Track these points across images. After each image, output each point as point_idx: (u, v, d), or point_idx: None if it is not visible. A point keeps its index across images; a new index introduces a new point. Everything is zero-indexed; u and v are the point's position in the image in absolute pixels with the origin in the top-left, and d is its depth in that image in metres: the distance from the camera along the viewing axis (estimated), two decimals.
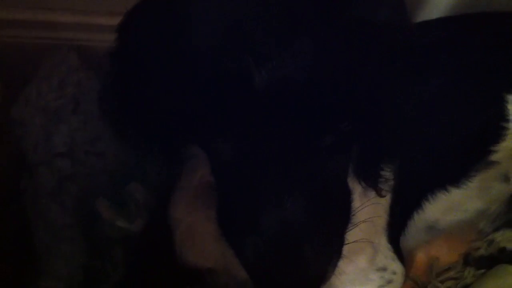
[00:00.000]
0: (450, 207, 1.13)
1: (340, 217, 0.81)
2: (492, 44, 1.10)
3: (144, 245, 1.06)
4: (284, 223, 0.70)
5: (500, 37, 1.11)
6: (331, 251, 0.76)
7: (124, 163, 1.07)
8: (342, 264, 0.96)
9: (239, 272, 0.99)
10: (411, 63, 0.81)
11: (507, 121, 1.07)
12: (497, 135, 1.08)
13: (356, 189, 0.88)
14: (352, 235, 0.91)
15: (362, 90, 0.71)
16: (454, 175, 1.10)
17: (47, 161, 1.01)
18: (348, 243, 0.88)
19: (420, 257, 1.21)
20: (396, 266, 1.07)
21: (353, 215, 0.86)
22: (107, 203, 1.03)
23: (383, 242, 1.06)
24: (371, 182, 0.87)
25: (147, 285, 1.04)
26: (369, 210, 0.93)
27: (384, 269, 1.05)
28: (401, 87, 0.81)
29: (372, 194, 0.92)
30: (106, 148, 1.06)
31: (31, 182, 1.01)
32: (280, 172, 0.70)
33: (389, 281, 1.06)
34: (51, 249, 0.96)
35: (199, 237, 0.99)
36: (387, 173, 0.89)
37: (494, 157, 1.08)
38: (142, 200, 1.05)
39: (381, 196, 0.90)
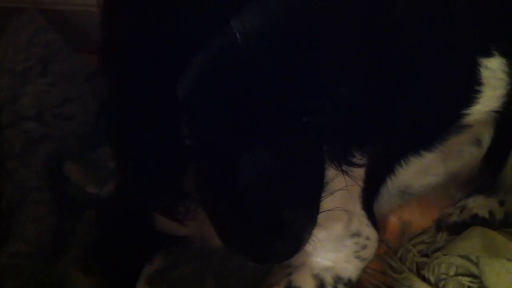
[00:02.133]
0: (422, 171, 1.15)
1: (315, 184, 0.80)
2: (466, 9, 1.10)
3: (115, 210, 1.05)
4: (259, 190, 0.70)
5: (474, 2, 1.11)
6: (306, 218, 0.77)
7: (93, 126, 1.05)
8: (317, 232, 0.98)
9: (215, 239, 1.00)
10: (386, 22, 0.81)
11: (480, 84, 1.07)
12: (470, 98, 1.09)
13: None
14: (327, 203, 0.92)
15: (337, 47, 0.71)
16: (427, 139, 1.11)
17: (14, 124, 0.99)
18: (323, 211, 0.89)
19: (393, 222, 1.24)
20: (370, 231, 1.09)
21: (328, 183, 0.86)
22: (76, 167, 1.01)
23: (357, 209, 1.07)
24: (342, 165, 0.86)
25: (118, 250, 1.04)
26: (345, 181, 0.94)
27: (358, 235, 1.07)
28: (375, 48, 0.81)
29: None
30: (75, 111, 1.04)
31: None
32: (257, 137, 0.69)
33: (364, 247, 1.08)
34: (19, 211, 0.96)
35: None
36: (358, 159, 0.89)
37: (466, 120, 1.10)
38: (113, 165, 1.02)
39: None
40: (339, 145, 0.83)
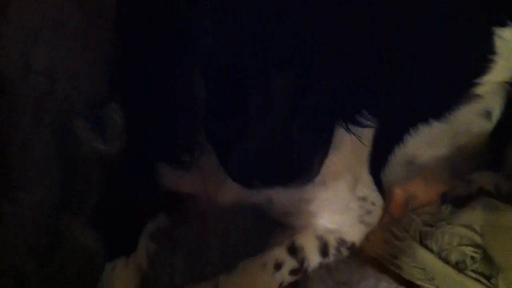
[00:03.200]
0: (430, 141, 1.15)
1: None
2: None
3: (121, 167, 1.07)
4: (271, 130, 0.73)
5: None
6: (316, 146, 0.79)
7: (102, 85, 1.06)
8: (322, 191, 0.99)
9: (219, 199, 1.03)
10: None
11: (493, 53, 1.07)
12: (482, 68, 1.09)
13: None
14: (334, 162, 0.93)
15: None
16: (437, 107, 1.11)
17: (24, 77, 1.00)
18: (330, 169, 0.90)
19: (398, 194, 1.24)
20: (376, 197, 1.10)
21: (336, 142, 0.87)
22: (84, 124, 1.03)
23: (364, 172, 1.08)
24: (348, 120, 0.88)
25: (124, 207, 1.05)
26: (352, 139, 0.95)
27: (364, 198, 1.08)
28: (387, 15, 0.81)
29: None
30: (88, 71, 1.05)
31: (9, 96, 1.00)
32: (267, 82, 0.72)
33: (368, 212, 1.09)
34: (27, 163, 0.98)
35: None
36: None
37: (477, 90, 1.10)
38: (121, 121, 1.04)
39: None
40: (346, 103, 0.84)
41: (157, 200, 1.07)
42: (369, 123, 0.91)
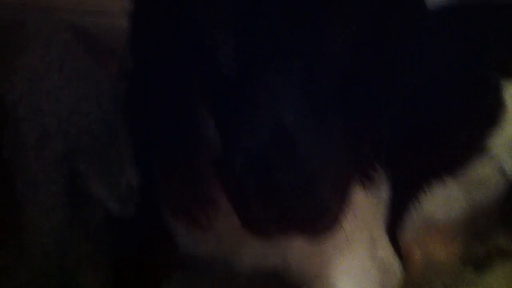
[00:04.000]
0: (446, 200, 1.14)
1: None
2: (491, 35, 1.13)
3: (135, 229, 1.00)
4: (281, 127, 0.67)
5: (499, 28, 1.15)
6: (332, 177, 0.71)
7: (109, 125, 1.02)
8: (340, 253, 0.94)
9: (236, 263, 0.97)
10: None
11: (503, 108, 1.10)
12: (493, 124, 1.11)
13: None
14: (349, 223, 0.88)
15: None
16: (450, 164, 1.12)
17: (31, 117, 0.95)
18: (346, 230, 0.85)
19: (417, 254, 1.18)
20: (393, 258, 1.05)
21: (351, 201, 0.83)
22: (100, 182, 0.97)
23: (381, 233, 1.05)
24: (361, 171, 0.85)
25: (134, 270, 1.00)
26: (368, 200, 0.96)
27: (382, 260, 1.03)
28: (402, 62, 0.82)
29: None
30: (92, 109, 1.01)
31: (14, 136, 0.94)
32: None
33: (388, 274, 1.03)
34: (32, 203, 0.92)
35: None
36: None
37: (490, 145, 1.12)
38: (136, 183, 0.99)
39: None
40: (360, 158, 0.82)
41: (171, 264, 1.01)
42: (383, 178, 0.91)
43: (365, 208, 0.98)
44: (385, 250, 1.04)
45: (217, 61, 0.71)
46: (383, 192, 1.02)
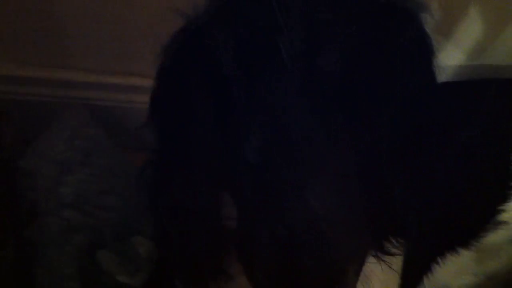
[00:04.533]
0: (459, 270, 1.14)
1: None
2: (501, 109, 1.14)
3: None
4: (306, 216, 0.68)
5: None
6: (351, 250, 0.74)
7: (130, 217, 1.09)
8: None
9: None
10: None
11: None
12: (506, 195, 1.09)
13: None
14: None
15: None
16: (462, 235, 1.11)
17: (55, 211, 1.05)
18: None
19: None
20: None
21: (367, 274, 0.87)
22: (110, 255, 1.04)
23: None
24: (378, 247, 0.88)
25: None
26: (382, 272, 0.95)
27: None
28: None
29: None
30: (114, 202, 1.10)
31: (37, 230, 1.03)
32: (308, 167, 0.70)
33: None
34: None
35: None
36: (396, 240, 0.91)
37: (503, 217, 1.10)
38: (145, 254, 1.06)
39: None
40: (374, 231, 0.84)
41: None
42: (397, 251, 0.92)
43: (379, 282, 1.02)
44: None
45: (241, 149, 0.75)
46: (397, 264, 1.05)
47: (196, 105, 0.78)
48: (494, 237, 1.11)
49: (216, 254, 0.86)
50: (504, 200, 1.10)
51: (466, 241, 1.12)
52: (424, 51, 0.81)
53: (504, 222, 1.11)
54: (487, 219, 1.12)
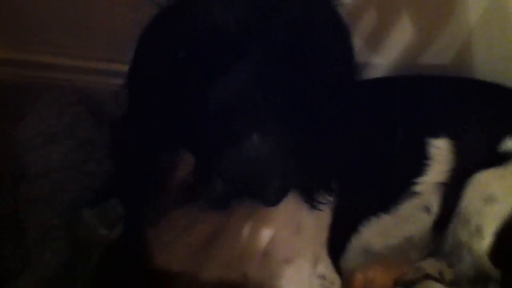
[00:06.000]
0: (382, 232, 1.39)
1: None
2: (417, 98, 1.40)
3: (118, 249, 1.29)
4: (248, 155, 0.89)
5: (425, 93, 1.43)
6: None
7: (111, 180, 1.32)
8: (288, 268, 1.21)
9: (202, 276, 1.24)
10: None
11: (428, 158, 1.36)
12: (419, 170, 1.37)
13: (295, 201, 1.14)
14: (298, 242, 1.18)
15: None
16: (384, 203, 1.37)
17: (45, 174, 1.26)
18: (294, 248, 1.18)
19: (359, 278, 1.44)
20: (334, 277, 1.31)
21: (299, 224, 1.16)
22: (92, 212, 1.27)
23: (323, 253, 1.31)
24: (308, 195, 1.13)
25: (121, 286, 1.28)
26: (311, 221, 1.23)
27: (323, 277, 1.29)
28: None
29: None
30: (95, 169, 1.33)
31: (29, 190, 1.26)
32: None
33: (326, 286, 1.29)
34: (41, 244, 1.22)
35: (170, 245, 1.22)
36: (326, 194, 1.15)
37: (417, 188, 1.37)
38: (121, 212, 1.28)
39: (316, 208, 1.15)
40: (311, 177, 1.11)
41: (150, 280, 1.27)
42: (328, 207, 1.19)
43: (310, 227, 1.25)
44: (326, 268, 1.30)
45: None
46: (327, 218, 1.29)
47: (162, 74, 1.00)
48: (409, 205, 1.39)
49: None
50: (418, 174, 1.37)
51: (386, 207, 1.39)
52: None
53: (418, 193, 1.38)
54: (403, 189, 1.39)
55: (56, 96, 1.43)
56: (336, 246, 1.35)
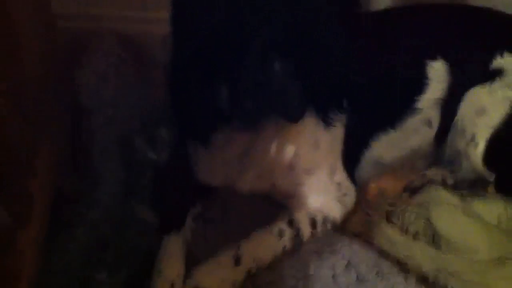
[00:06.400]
0: (390, 145, 1.62)
1: None
2: (416, 26, 1.59)
3: (168, 170, 1.53)
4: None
5: (422, 20, 1.62)
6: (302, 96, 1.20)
7: (154, 114, 1.56)
8: (309, 177, 1.44)
9: (238, 188, 1.50)
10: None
11: (427, 78, 1.57)
12: (420, 88, 1.58)
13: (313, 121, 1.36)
14: (316, 156, 1.41)
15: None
16: (391, 118, 1.59)
17: (98, 108, 1.49)
18: (313, 161, 1.38)
19: (373, 188, 1.68)
20: (349, 184, 1.55)
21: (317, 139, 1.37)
22: (142, 140, 1.51)
23: (339, 165, 1.54)
24: (323, 114, 1.34)
25: (174, 197, 1.55)
26: (327, 138, 1.45)
27: (339, 184, 1.53)
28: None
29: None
30: (140, 102, 1.55)
31: (89, 123, 1.49)
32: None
33: (344, 194, 1.54)
34: (103, 165, 1.49)
35: (211, 163, 1.47)
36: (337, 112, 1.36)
37: (418, 105, 1.58)
38: (167, 138, 1.52)
39: (330, 125, 1.36)
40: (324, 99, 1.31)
41: (195, 193, 1.54)
42: (341, 123, 1.41)
43: (326, 143, 1.47)
44: (341, 177, 1.53)
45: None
46: (340, 133, 1.50)
47: (201, 20, 1.20)
48: (413, 120, 1.62)
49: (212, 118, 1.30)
50: (419, 92, 1.59)
51: (393, 123, 1.61)
52: None
53: (420, 109, 1.60)
54: (407, 106, 1.61)
55: (103, 42, 1.65)
56: (351, 159, 1.57)
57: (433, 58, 1.58)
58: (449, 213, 1.52)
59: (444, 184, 1.65)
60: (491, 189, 1.63)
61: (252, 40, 1.13)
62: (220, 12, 1.17)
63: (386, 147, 1.62)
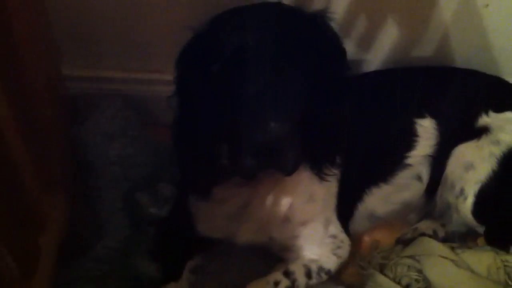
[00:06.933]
0: (383, 198, 1.70)
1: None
2: (405, 86, 1.69)
3: (168, 223, 1.62)
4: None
5: (411, 81, 1.73)
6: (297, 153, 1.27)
7: (155, 171, 1.65)
8: (304, 229, 1.51)
9: (237, 240, 1.58)
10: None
11: (416, 136, 1.67)
12: (410, 145, 1.67)
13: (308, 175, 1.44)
14: (310, 207, 1.48)
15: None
16: (382, 174, 1.67)
17: (106, 167, 1.59)
18: (308, 214, 1.48)
19: (366, 240, 1.77)
20: (343, 237, 1.62)
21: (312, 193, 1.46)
22: (144, 195, 1.59)
23: (334, 217, 1.61)
24: (317, 169, 1.42)
25: (171, 251, 1.61)
26: (322, 191, 1.53)
27: (335, 236, 1.60)
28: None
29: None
30: (145, 161, 1.65)
31: (95, 180, 1.59)
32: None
33: (339, 247, 1.60)
34: (109, 221, 1.57)
35: (211, 216, 1.55)
36: (331, 167, 1.44)
37: (408, 161, 1.67)
38: (168, 193, 1.61)
39: (325, 180, 1.44)
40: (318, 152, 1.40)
41: (195, 246, 1.61)
42: (335, 178, 1.50)
43: (321, 196, 1.55)
44: (336, 229, 1.60)
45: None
46: (335, 187, 1.58)
47: (203, 84, 1.30)
48: (404, 175, 1.72)
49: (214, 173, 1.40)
50: (409, 149, 1.69)
51: (385, 178, 1.70)
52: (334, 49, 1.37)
53: (410, 165, 1.70)
54: (398, 162, 1.71)
55: (109, 103, 1.76)
56: (345, 212, 1.65)
57: (422, 116, 1.67)
58: (441, 265, 1.57)
59: (435, 236, 1.71)
60: (481, 241, 1.71)
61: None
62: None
63: (378, 200, 1.70)
